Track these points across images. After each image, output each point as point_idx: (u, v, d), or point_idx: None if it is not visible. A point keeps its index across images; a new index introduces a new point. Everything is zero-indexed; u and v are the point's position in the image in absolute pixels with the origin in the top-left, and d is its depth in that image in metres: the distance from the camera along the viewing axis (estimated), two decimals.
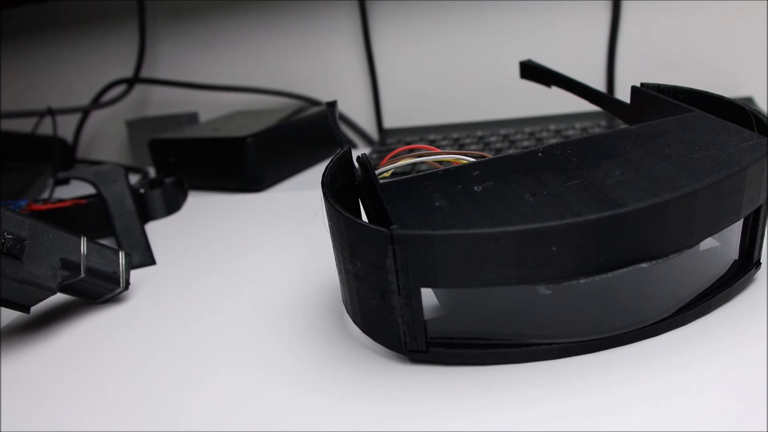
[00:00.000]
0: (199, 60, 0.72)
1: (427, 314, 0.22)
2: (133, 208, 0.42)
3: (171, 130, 0.60)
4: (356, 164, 0.28)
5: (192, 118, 0.70)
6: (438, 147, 0.45)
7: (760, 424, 0.18)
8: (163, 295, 0.33)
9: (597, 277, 0.20)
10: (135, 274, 0.36)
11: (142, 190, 0.46)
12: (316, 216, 0.42)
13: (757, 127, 0.25)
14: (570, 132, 0.51)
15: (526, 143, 0.50)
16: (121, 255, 0.32)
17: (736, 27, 0.55)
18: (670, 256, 0.21)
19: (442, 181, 0.24)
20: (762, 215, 0.24)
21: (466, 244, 0.20)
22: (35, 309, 0.32)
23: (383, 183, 0.24)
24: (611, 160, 0.24)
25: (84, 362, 0.27)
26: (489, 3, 0.61)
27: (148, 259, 0.38)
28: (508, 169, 0.24)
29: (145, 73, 0.72)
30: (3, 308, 0.33)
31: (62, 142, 0.71)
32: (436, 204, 0.22)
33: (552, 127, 0.53)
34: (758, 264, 0.25)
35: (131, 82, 0.71)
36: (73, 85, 0.77)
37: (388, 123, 0.67)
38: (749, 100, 0.51)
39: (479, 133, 0.55)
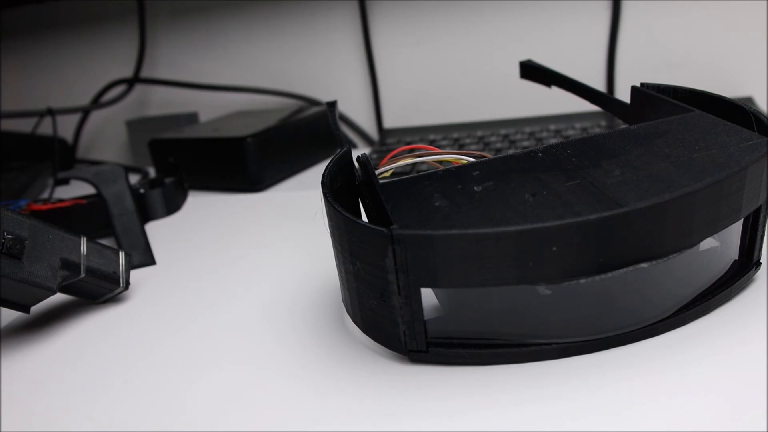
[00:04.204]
0: (199, 60, 0.72)
1: (427, 314, 0.22)
2: (133, 208, 0.42)
3: (171, 130, 0.60)
4: (356, 164, 0.28)
5: (192, 118, 0.70)
6: (438, 147, 0.45)
7: (760, 424, 0.18)
8: (163, 295, 0.33)
9: (597, 277, 0.20)
10: (135, 274, 0.36)
11: (142, 190, 0.46)
12: (316, 216, 0.42)
13: (757, 127, 0.25)
14: (570, 132, 0.51)
15: (526, 143, 0.50)
16: (121, 255, 0.32)
17: (736, 27, 0.55)
18: (670, 256, 0.21)
19: (442, 181, 0.24)
20: (762, 215, 0.24)
21: (466, 244, 0.20)
22: (35, 309, 0.32)
23: (383, 183, 0.24)
24: (611, 160, 0.24)
25: (84, 362, 0.27)
26: (489, 3, 0.61)
27: (148, 259, 0.38)
28: (508, 169, 0.24)
29: (145, 73, 0.72)
30: (3, 308, 0.33)
31: (62, 142, 0.71)
32: (436, 204, 0.22)
33: (552, 127, 0.53)
34: (758, 264, 0.25)
35: (131, 82, 0.71)
36: (73, 85, 0.77)
37: (388, 123, 0.67)
38: (749, 100, 0.51)
39: (479, 133, 0.55)
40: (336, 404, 0.22)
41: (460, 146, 0.52)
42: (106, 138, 0.79)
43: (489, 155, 0.27)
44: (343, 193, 0.26)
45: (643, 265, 0.21)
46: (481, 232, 0.20)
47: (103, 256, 0.31)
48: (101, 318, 0.31)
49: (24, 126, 0.68)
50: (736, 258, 0.25)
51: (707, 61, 0.57)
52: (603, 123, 0.52)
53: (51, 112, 0.59)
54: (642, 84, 0.32)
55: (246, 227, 0.42)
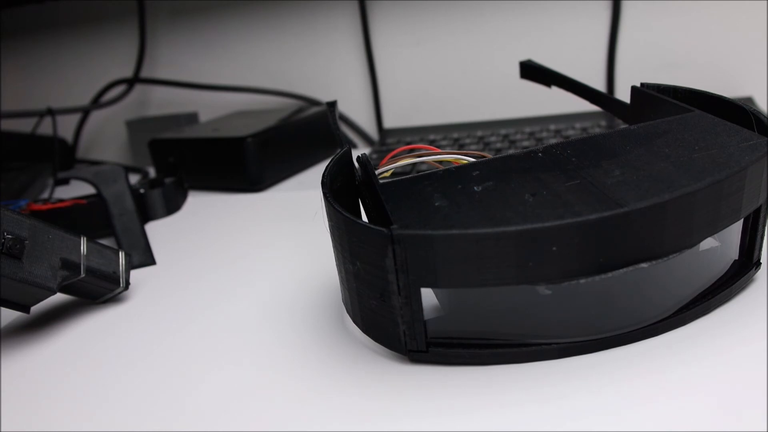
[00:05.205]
0: (199, 60, 0.72)
1: (427, 314, 0.22)
2: (133, 208, 0.42)
3: (171, 130, 0.60)
4: (356, 164, 0.28)
5: (192, 118, 0.70)
6: (438, 147, 0.45)
7: (760, 424, 0.18)
8: (163, 295, 0.33)
9: (597, 277, 0.20)
10: (135, 274, 0.36)
11: (142, 190, 0.46)
12: (316, 216, 0.42)
13: (757, 127, 0.25)
14: (570, 132, 0.51)
15: (526, 143, 0.50)
16: (121, 255, 0.32)
17: (736, 27, 0.55)
18: (670, 256, 0.21)
19: (442, 181, 0.24)
20: (762, 215, 0.24)
21: (466, 244, 0.20)
22: (35, 309, 0.32)
23: (383, 183, 0.24)
24: (611, 160, 0.24)
25: (84, 362, 0.27)
26: (489, 3, 0.61)
27: (148, 259, 0.38)
28: (508, 169, 0.24)
29: (145, 73, 0.72)
30: (3, 308, 0.33)
31: (62, 142, 0.71)
32: (436, 204, 0.22)
33: (552, 127, 0.53)
34: (758, 264, 0.25)
35: (131, 82, 0.71)
36: (73, 85, 0.77)
37: (388, 123, 0.67)
38: (749, 100, 0.51)
39: (479, 133, 0.54)
40: (336, 404, 0.22)
41: (460, 146, 0.52)
42: (106, 138, 0.79)
43: (489, 155, 0.27)
44: (343, 193, 0.26)
45: (643, 265, 0.21)
46: (481, 232, 0.20)
47: (103, 256, 0.31)
48: (101, 318, 0.31)
49: (24, 126, 0.68)
50: (736, 258, 0.25)
51: (707, 61, 0.57)
52: (603, 123, 0.52)
53: (51, 112, 0.59)
54: (642, 84, 0.32)
55: (246, 227, 0.42)
